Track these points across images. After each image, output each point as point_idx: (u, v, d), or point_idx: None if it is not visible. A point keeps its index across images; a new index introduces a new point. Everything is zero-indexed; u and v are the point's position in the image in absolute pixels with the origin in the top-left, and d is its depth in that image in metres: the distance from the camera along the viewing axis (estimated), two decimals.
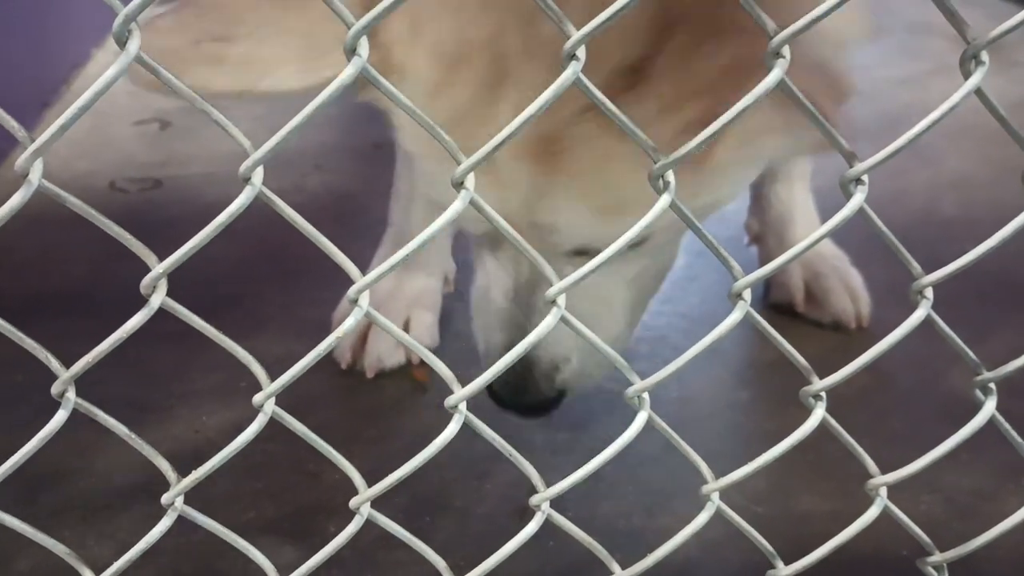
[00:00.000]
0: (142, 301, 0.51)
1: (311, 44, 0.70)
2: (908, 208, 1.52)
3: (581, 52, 0.47)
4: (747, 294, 0.55)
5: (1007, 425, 0.62)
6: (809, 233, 0.55)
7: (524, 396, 0.92)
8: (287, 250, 1.30)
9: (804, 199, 1.28)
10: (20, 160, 0.46)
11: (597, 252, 0.56)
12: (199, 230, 0.49)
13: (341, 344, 1.14)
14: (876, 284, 1.26)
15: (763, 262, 1.29)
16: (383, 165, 1.67)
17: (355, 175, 1.65)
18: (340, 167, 1.66)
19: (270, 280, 1.33)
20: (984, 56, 0.50)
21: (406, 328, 1.19)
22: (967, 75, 0.51)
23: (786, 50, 0.48)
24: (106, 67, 0.49)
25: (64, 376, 0.52)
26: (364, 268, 0.55)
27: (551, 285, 0.54)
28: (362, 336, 1.17)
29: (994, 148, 1.67)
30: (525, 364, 0.89)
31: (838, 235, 1.24)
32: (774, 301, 1.27)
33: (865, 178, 0.53)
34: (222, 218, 0.49)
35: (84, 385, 0.53)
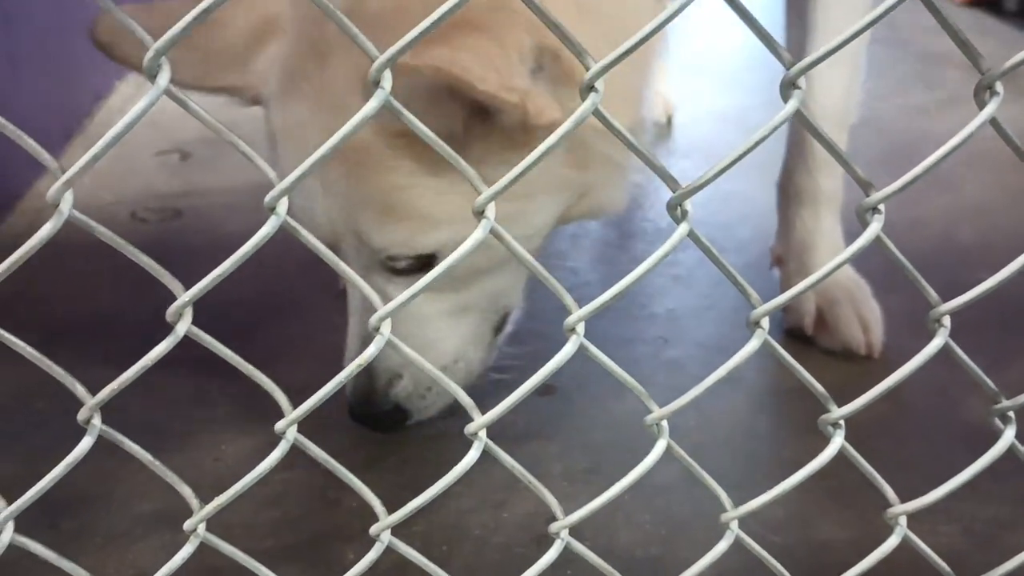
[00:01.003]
0: (164, 328, 0.52)
1: None
2: (926, 235, 1.52)
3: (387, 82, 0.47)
4: (765, 322, 0.56)
5: None
6: (831, 258, 0.56)
7: (364, 406, 1.02)
8: (304, 277, 1.32)
9: (830, 225, 1.28)
10: (52, 191, 0.48)
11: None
12: (219, 259, 0.50)
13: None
14: (896, 312, 1.26)
15: (784, 287, 1.29)
16: None
17: None
18: None
19: (288, 307, 1.34)
20: (998, 87, 0.50)
21: None
22: (981, 105, 0.51)
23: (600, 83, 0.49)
24: (128, 99, 0.50)
25: (90, 403, 0.53)
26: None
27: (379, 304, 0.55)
28: None
29: (1011, 175, 1.67)
30: (368, 376, 1.00)
31: (858, 262, 1.25)
32: (787, 326, 1.27)
33: (882, 207, 0.53)
34: (247, 247, 0.50)
35: (105, 411, 0.54)
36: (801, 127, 1.21)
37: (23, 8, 1.54)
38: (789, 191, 1.28)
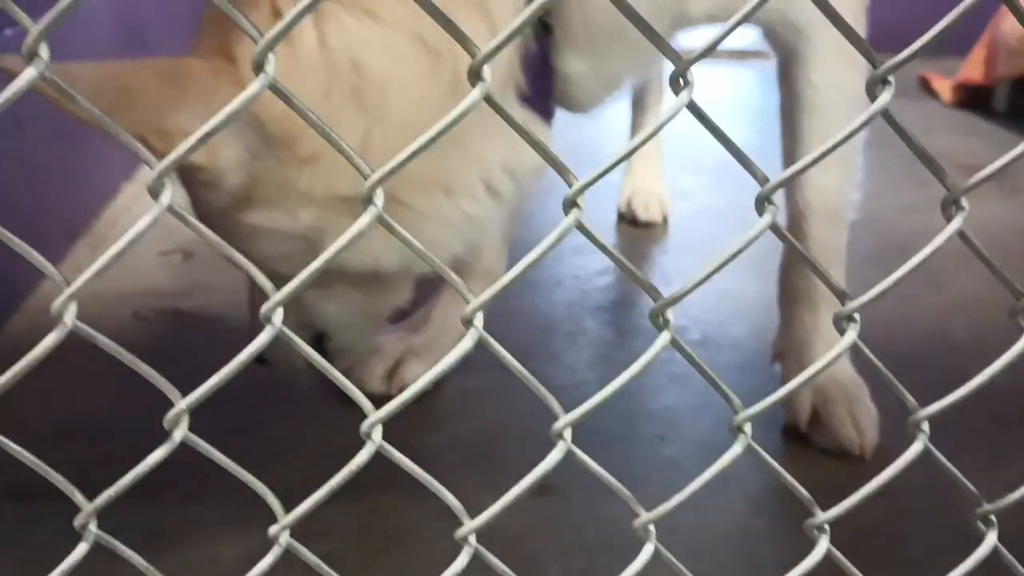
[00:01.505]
0: (164, 429, 0.53)
1: None
2: (919, 332, 1.53)
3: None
4: (748, 427, 0.57)
5: (1011, 557, 0.63)
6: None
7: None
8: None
9: (828, 324, 1.28)
10: (56, 304, 0.50)
11: None
12: (219, 360, 0.52)
13: (374, 377, 1.36)
14: (892, 409, 1.26)
15: (785, 382, 1.30)
16: None
17: None
18: None
19: (284, 405, 1.35)
20: (964, 202, 0.52)
21: (393, 370, 1.37)
22: (949, 219, 0.53)
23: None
24: (135, 199, 0.53)
25: (87, 509, 0.54)
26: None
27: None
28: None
29: (1003, 270, 1.69)
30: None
31: (853, 358, 1.26)
32: (785, 423, 1.28)
33: (857, 316, 0.55)
34: (243, 356, 0.52)
35: (102, 512, 0.55)
36: (797, 226, 1.24)
37: (34, 112, 1.59)
38: (787, 289, 1.30)
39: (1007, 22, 2.95)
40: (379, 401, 0.56)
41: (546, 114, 1.03)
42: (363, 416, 0.56)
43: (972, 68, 3.08)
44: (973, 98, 3.10)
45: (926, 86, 3.28)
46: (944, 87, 3.19)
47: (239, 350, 0.52)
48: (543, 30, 0.97)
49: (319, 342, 1.13)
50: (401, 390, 0.56)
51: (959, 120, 2.94)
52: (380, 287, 1.06)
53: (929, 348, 1.48)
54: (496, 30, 0.86)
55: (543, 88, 1.00)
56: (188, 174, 0.92)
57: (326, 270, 0.51)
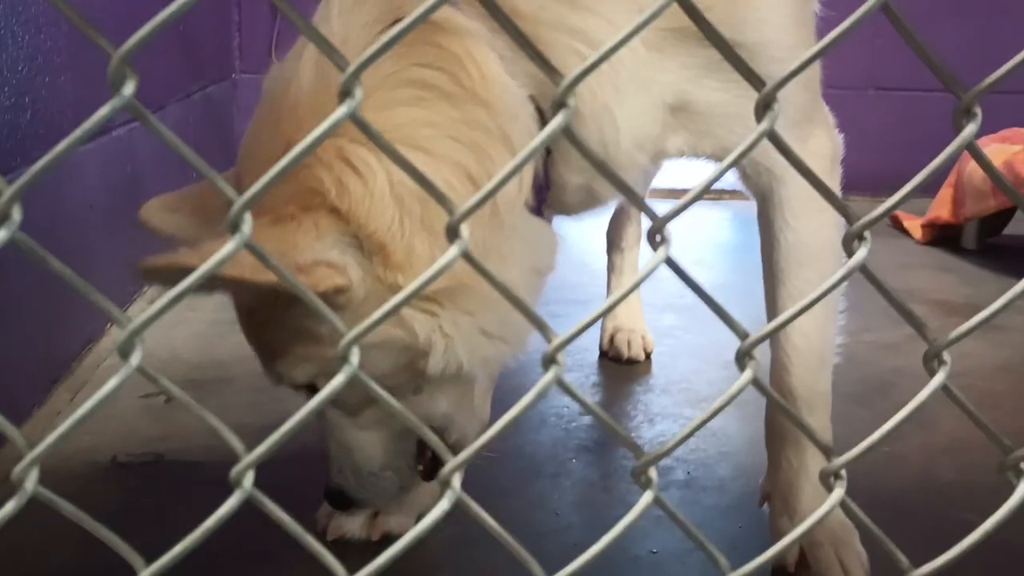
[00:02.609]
0: None
1: None
2: (905, 472, 1.51)
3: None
4: None
5: None
6: (815, 501, 0.56)
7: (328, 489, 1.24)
8: (272, 526, 1.29)
9: (815, 466, 1.27)
10: (17, 470, 0.48)
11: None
12: (198, 505, 0.50)
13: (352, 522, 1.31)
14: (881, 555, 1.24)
15: (772, 524, 1.28)
16: None
17: None
18: None
19: (264, 555, 1.31)
20: (945, 356, 0.52)
21: (375, 515, 1.32)
22: (931, 373, 0.53)
23: None
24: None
25: None
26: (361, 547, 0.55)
27: None
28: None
29: (987, 411, 1.68)
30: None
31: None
32: (774, 564, 1.24)
33: (843, 472, 0.54)
34: (210, 523, 0.50)
35: None
36: (783, 368, 1.24)
37: (15, 254, 1.59)
38: (773, 430, 1.29)
39: (971, 164, 3.03)
40: (360, 547, 0.54)
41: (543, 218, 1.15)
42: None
43: (940, 207, 3.16)
44: (943, 235, 3.17)
45: (897, 224, 3.35)
46: (915, 226, 3.26)
47: (218, 497, 0.51)
48: (546, 152, 1.09)
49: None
50: (383, 535, 0.54)
51: (931, 257, 2.99)
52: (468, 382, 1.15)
53: (916, 490, 1.46)
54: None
55: (542, 197, 1.11)
56: (330, 300, 0.97)
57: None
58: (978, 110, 0.51)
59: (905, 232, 3.29)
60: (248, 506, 0.55)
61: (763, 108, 0.50)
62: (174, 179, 2.82)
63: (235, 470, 0.50)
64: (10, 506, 0.47)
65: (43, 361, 1.76)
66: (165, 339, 2.02)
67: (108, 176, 2.14)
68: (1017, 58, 0.50)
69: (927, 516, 1.38)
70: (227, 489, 0.52)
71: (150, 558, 0.52)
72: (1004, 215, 3.09)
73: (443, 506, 0.52)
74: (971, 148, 0.52)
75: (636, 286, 0.51)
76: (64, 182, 1.86)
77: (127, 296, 2.23)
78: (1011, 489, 0.57)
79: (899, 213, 3.34)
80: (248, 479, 0.51)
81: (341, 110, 0.46)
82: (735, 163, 0.50)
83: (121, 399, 1.74)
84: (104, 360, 1.92)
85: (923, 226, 3.21)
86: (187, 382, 1.85)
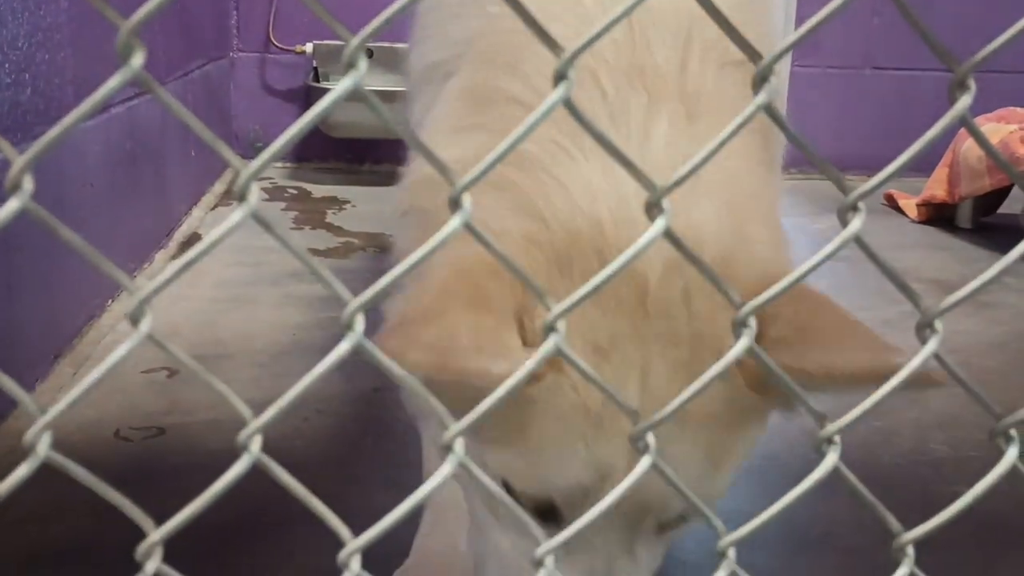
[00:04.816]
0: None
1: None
2: (898, 448, 1.53)
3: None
4: None
5: None
6: None
7: None
8: (284, 493, 1.31)
9: None
10: (29, 434, 0.49)
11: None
12: (201, 479, 0.51)
13: None
14: (870, 524, 1.25)
15: None
16: (383, 408, 1.70)
17: (356, 418, 1.68)
18: (341, 411, 1.69)
19: (266, 525, 1.32)
20: (937, 325, 0.53)
21: None
22: (923, 341, 0.54)
23: (752, 320, 0.52)
24: (120, 318, 0.52)
25: None
26: (364, 516, 0.56)
27: None
28: None
29: (979, 387, 1.70)
30: None
31: (828, 485, 1.25)
32: None
33: (837, 438, 0.55)
34: (218, 486, 0.51)
35: None
36: None
37: (16, 227, 1.60)
38: None
39: (966, 143, 3.05)
40: (365, 513, 0.55)
41: None
42: (341, 542, 0.55)
43: (936, 186, 3.17)
44: (938, 214, 3.18)
45: (892, 203, 3.37)
46: (910, 205, 3.27)
47: (220, 471, 0.52)
48: None
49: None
50: None
51: (926, 236, 3.01)
52: None
53: (908, 464, 1.48)
54: None
55: None
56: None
57: None
58: (972, 83, 0.52)
59: (900, 211, 3.30)
60: (254, 480, 0.56)
61: (760, 81, 0.51)
62: (174, 157, 2.83)
63: (243, 434, 0.51)
64: (23, 470, 0.48)
65: (45, 336, 1.77)
66: (166, 316, 2.03)
67: (108, 154, 2.15)
68: (1012, 30, 0.51)
69: (919, 489, 1.39)
70: (231, 461, 0.53)
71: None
72: (999, 194, 3.10)
73: (445, 470, 0.53)
74: (965, 121, 0.53)
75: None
76: (65, 160, 1.86)
77: (128, 271, 2.24)
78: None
79: (894, 192, 3.35)
80: (256, 443, 0.52)
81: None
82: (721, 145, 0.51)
83: (123, 374, 1.76)
84: (105, 336, 1.93)
85: (918, 205, 3.23)
86: (189, 358, 1.85)
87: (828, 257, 0.52)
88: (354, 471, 1.43)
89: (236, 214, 0.49)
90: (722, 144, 0.51)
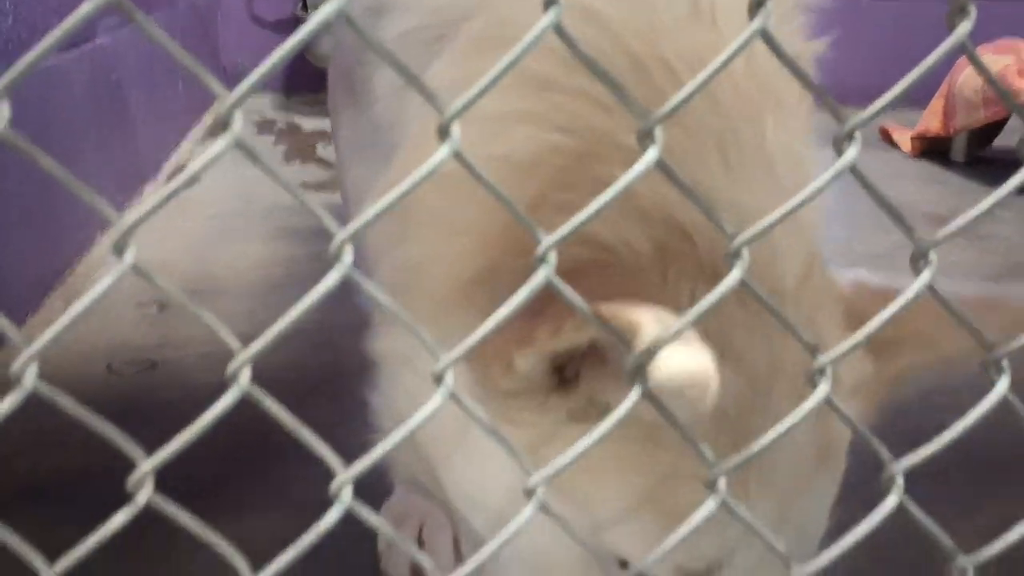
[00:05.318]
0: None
1: None
2: None
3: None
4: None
5: None
6: None
7: None
8: (275, 428, 1.31)
9: None
10: (16, 365, 0.49)
11: None
12: (193, 413, 0.51)
13: (398, 569, 1.15)
14: (862, 459, 1.27)
15: None
16: None
17: (352, 353, 1.67)
18: (338, 344, 1.68)
19: (258, 459, 1.33)
20: (932, 256, 0.53)
21: (420, 544, 1.17)
22: (917, 272, 0.54)
23: (744, 252, 0.52)
24: (109, 251, 0.51)
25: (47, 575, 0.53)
26: (356, 451, 0.56)
27: None
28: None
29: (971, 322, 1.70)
30: None
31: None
32: None
33: (828, 370, 0.55)
34: (208, 417, 0.51)
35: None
36: None
37: (5, 163, 1.58)
38: None
39: (962, 75, 3.02)
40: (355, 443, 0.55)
41: None
42: (332, 474, 0.55)
43: (930, 119, 3.15)
44: (932, 148, 3.17)
45: (887, 137, 3.35)
46: (904, 138, 3.25)
47: (211, 405, 0.51)
48: None
49: None
50: None
51: (920, 170, 3.00)
52: None
53: (899, 399, 1.48)
54: None
55: None
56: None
57: None
58: (972, 8, 0.51)
59: (894, 145, 3.28)
60: (245, 416, 0.56)
61: (756, 6, 0.50)
62: (160, 88, 2.79)
63: (231, 365, 0.51)
64: (8, 401, 0.48)
65: (36, 270, 1.76)
66: (157, 249, 2.02)
67: (93, 85, 2.12)
68: None
69: (911, 421, 1.40)
70: (222, 393, 0.52)
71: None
72: (993, 127, 3.08)
73: (436, 401, 0.53)
74: (965, 47, 0.52)
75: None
76: (49, 91, 1.83)
77: (117, 205, 2.22)
78: None
79: (889, 125, 3.33)
80: (245, 375, 0.51)
81: None
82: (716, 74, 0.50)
83: (113, 308, 1.75)
84: (96, 269, 1.93)
85: (913, 138, 3.21)
86: (180, 292, 1.85)
87: (824, 187, 0.52)
88: (349, 406, 1.43)
89: (220, 143, 0.48)
90: None
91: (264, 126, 3.37)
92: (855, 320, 0.67)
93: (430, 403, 0.54)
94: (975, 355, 0.58)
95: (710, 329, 0.52)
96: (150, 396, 1.49)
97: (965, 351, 0.65)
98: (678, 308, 0.52)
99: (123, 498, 0.52)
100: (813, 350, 0.53)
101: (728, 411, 0.64)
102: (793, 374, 0.65)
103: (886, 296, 0.60)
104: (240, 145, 0.48)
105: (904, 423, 0.60)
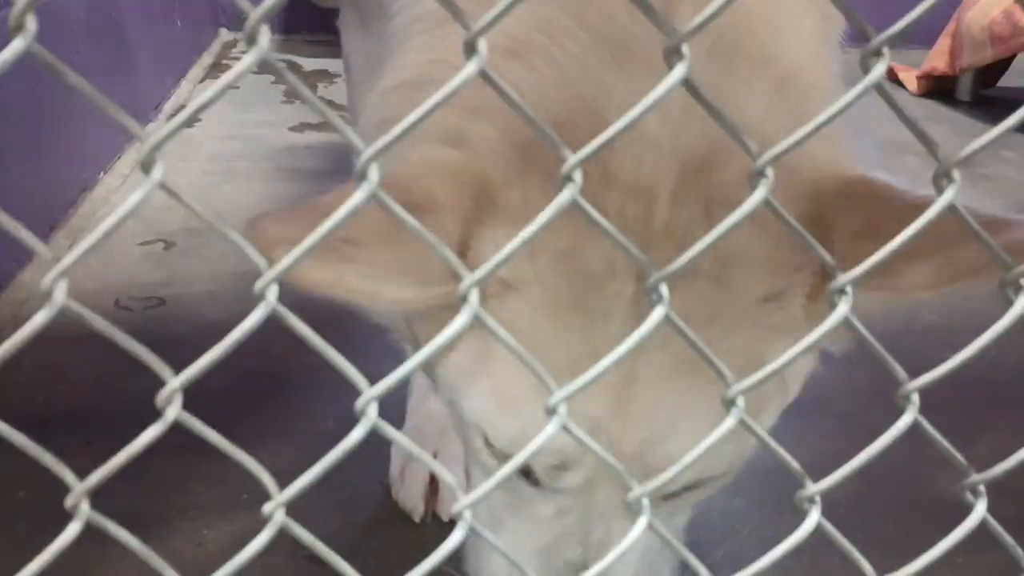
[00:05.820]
0: (147, 417, 0.52)
1: (423, 263, 0.64)
2: (890, 317, 1.55)
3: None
4: (740, 400, 0.57)
5: (999, 527, 0.64)
6: None
7: None
8: (286, 364, 1.32)
9: None
10: (46, 280, 0.49)
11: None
12: (202, 347, 0.51)
13: (412, 496, 1.16)
14: (863, 388, 1.28)
15: None
16: None
17: None
18: None
19: (269, 394, 1.35)
20: (955, 174, 0.53)
21: (435, 456, 1.18)
22: (940, 191, 0.54)
23: (769, 171, 0.52)
24: (113, 190, 0.50)
25: (78, 488, 0.53)
26: (371, 379, 0.57)
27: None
28: (431, 485, 1.17)
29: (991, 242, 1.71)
30: None
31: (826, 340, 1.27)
32: None
33: (849, 289, 0.55)
34: (237, 334, 0.51)
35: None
36: None
37: (8, 100, 1.57)
38: None
39: (970, 13, 2.99)
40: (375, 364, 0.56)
41: None
42: (356, 395, 0.56)
43: (937, 58, 3.13)
44: (938, 87, 3.15)
45: (892, 76, 3.33)
46: (910, 77, 3.23)
47: (222, 337, 0.52)
48: None
49: None
50: None
51: (925, 109, 2.98)
52: None
53: (901, 332, 1.50)
54: None
55: None
56: None
57: None
58: None
59: (900, 84, 3.27)
60: (259, 348, 0.56)
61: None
62: (158, 26, 2.76)
63: (258, 284, 0.51)
64: (41, 316, 0.48)
65: (40, 208, 1.76)
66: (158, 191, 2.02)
67: (92, 23, 2.09)
68: None
69: (911, 356, 1.41)
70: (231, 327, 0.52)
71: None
72: (999, 66, 3.06)
73: (461, 321, 0.54)
74: None
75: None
76: (48, 29, 1.81)
77: (118, 145, 2.21)
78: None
79: (894, 65, 3.30)
80: (272, 293, 0.52)
81: None
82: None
83: (120, 246, 1.75)
84: (99, 208, 1.92)
85: (918, 77, 3.19)
86: (185, 231, 1.85)
87: (848, 106, 0.52)
88: (359, 342, 1.44)
89: (248, 57, 0.48)
90: None
91: (263, 65, 3.33)
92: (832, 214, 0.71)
93: (455, 322, 0.54)
94: (990, 274, 0.59)
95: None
96: (162, 330, 1.50)
97: (980, 269, 0.65)
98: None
99: (137, 431, 0.52)
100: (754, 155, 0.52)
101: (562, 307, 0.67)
102: (626, 273, 0.66)
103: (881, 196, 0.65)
104: (267, 62, 0.48)
105: (900, 357, 0.60)
